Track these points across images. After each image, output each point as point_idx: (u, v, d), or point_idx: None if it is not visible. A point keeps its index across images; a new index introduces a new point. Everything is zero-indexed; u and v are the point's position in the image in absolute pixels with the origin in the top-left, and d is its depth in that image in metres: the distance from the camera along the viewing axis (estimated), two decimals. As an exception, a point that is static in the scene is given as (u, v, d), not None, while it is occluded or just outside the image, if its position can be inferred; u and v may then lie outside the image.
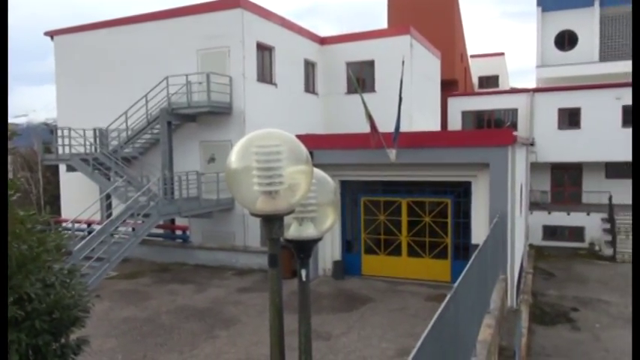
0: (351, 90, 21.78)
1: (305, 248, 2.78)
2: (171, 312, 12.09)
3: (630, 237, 24.24)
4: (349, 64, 21.94)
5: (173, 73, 17.07)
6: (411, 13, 28.32)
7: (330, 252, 15.27)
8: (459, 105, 30.01)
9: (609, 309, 16.74)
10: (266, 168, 2.36)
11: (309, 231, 2.75)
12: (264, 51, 19.10)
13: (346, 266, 15.17)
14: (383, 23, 30.86)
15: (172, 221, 17.72)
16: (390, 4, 30.79)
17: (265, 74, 19.21)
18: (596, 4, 31.12)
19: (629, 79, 27.25)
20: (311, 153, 10.12)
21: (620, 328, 15.00)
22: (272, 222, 2.44)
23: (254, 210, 2.42)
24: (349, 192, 15.36)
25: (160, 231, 17.77)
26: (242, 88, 17.50)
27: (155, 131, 17.62)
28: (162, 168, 16.98)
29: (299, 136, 10.80)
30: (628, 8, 30.61)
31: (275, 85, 19.59)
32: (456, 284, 5.76)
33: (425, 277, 14.20)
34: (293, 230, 2.76)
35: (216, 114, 17.39)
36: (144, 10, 21.02)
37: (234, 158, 2.39)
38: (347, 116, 20.75)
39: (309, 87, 22.47)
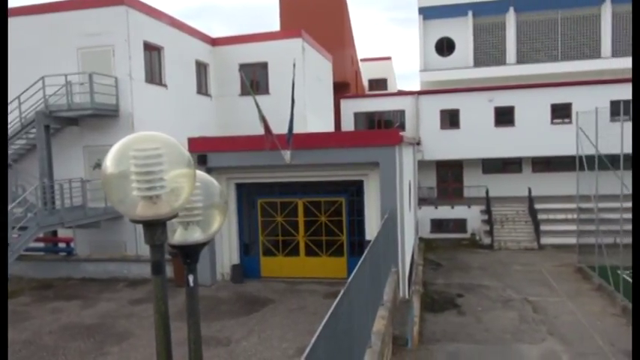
0: (244, 92, 21.65)
1: (192, 253, 2.73)
2: (55, 332, 11.17)
3: (505, 226, 26.73)
4: (242, 66, 21.78)
5: (52, 72, 15.78)
6: (303, 17, 28.80)
7: (228, 256, 15.06)
8: (351, 106, 31.07)
9: (489, 293, 18.30)
10: (145, 172, 2.28)
11: (195, 235, 2.70)
12: (153, 51, 18.34)
13: (245, 269, 15.06)
14: (277, 25, 31.04)
15: (54, 233, 16.37)
16: (282, 7, 31.06)
17: (154, 75, 18.45)
18: (470, 14, 33.90)
19: (500, 83, 30.10)
20: (205, 156, 9.89)
21: (499, 309, 16.47)
22: (154, 228, 2.36)
23: (134, 216, 2.32)
24: (245, 194, 15.26)
25: (41, 244, 16.34)
26: (129, 89, 16.65)
27: (31, 136, 16.17)
28: (40, 176, 15.62)
29: (192, 139, 10.58)
30: (497, 18, 33.75)
31: (165, 86, 18.89)
32: (349, 280, 5.97)
33: (323, 275, 14.52)
34: (178, 235, 2.69)
35: (101, 117, 16.36)
36: (20, 2, 19.13)
37: (109, 163, 2.27)
38: (241, 118, 20.59)
39: (202, 88, 21.97)
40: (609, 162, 17.50)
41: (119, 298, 13.52)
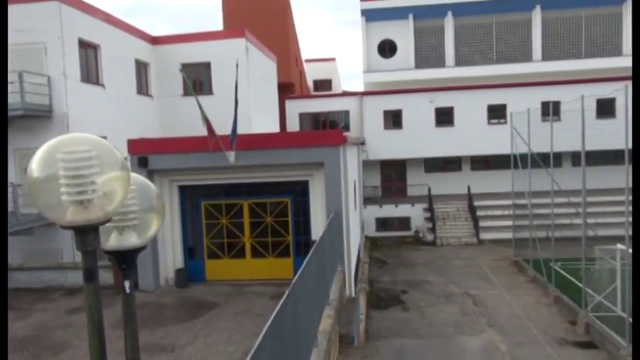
0: (187, 92, 21.19)
1: (127, 258, 2.65)
2: (-16, 346, 10.48)
3: (447, 223, 27.62)
4: (185, 66, 21.29)
5: (-25, 70, 14.82)
6: (246, 17, 28.56)
7: (171, 260, 14.70)
8: (296, 107, 31.12)
9: (432, 288, 18.85)
10: (75, 176, 2.19)
11: (131, 240, 2.63)
12: (89, 49, 17.62)
13: (190, 273, 14.74)
14: (221, 25, 30.60)
15: (-18, 242, 15.36)
16: (225, 7, 30.66)
17: (91, 74, 17.72)
18: (410, 17, 34.81)
19: (440, 85, 31.08)
20: (145, 158, 9.58)
21: (442, 304, 17.01)
22: (86, 233, 2.27)
23: (64, 222, 2.23)
24: (189, 197, 14.95)
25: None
26: (63, 89, 15.90)
27: (-46, 138, 15.11)
28: (-36, 181, 14.62)
29: (132, 141, 10.24)
30: (437, 22, 34.82)
31: (103, 86, 18.19)
32: (294, 280, 5.98)
33: (269, 277, 14.44)
34: (113, 240, 2.61)
35: (33, 118, 15.53)
36: None
37: (35, 166, 2.17)
38: (184, 119, 20.15)
39: (142, 89, 21.32)
40: (541, 160, 18.45)
41: (55, 308, 12.89)
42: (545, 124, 18.07)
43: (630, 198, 12.34)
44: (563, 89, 26.02)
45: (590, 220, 17.70)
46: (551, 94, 26.02)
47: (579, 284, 15.02)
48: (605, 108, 25.05)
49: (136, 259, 2.69)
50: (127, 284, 2.64)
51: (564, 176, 17.73)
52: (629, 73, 28.73)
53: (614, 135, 13.29)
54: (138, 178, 2.67)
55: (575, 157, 23.88)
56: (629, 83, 11.07)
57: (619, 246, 13.38)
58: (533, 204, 19.54)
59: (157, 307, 12.69)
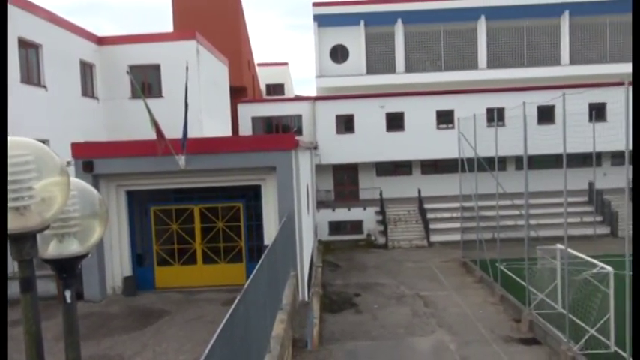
0: (136, 94, 20.63)
1: (68, 267, 2.55)
2: None
3: (398, 226, 28.12)
4: (133, 68, 20.72)
5: None
6: (197, 19, 28.13)
7: (119, 268, 14.22)
8: (248, 111, 30.91)
9: (384, 290, 19.13)
10: (11, 181, 2.10)
11: (72, 247, 2.53)
12: (29, 49, 16.85)
13: (138, 281, 14.31)
14: (171, 27, 29.98)
15: None
16: (174, 8, 30.09)
17: (31, 75, 16.96)
18: (362, 23, 35.34)
19: (391, 90, 31.67)
20: (91, 162, 9.24)
21: (393, 305, 17.28)
22: (22, 241, 2.17)
23: (-2, 230, 2.12)
24: (137, 202, 14.53)
25: None
26: (1, 90, 15.11)
27: None
28: None
29: (76, 145, 9.83)
30: (387, 28, 35.50)
31: (45, 87, 17.43)
32: (245, 286, 5.93)
33: (222, 283, 14.22)
34: (52, 248, 2.50)
35: (-34, 120, 14.67)
36: None
37: (-34, 172, 2.06)
38: (132, 122, 19.56)
39: (88, 90, 20.59)
40: (487, 164, 19.13)
41: (-8, 321, 12.19)
42: (490, 129, 18.75)
43: (567, 200, 13.00)
44: (507, 96, 27.08)
45: (533, 222, 18.52)
46: (495, 100, 27.08)
47: (523, 283, 15.66)
48: (546, 115, 26.28)
49: (78, 267, 2.60)
50: (67, 294, 2.54)
51: (509, 179, 18.49)
52: (568, 82, 30.47)
53: (553, 140, 13.93)
54: (79, 183, 2.58)
55: (518, 162, 24.89)
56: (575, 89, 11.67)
57: (558, 246, 14.05)
58: (479, 206, 20.22)
59: (104, 317, 12.25)
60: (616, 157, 29.18)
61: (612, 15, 34.98)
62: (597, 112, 25.69)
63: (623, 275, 9.96)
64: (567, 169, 12.55)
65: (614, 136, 12.72)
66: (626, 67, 33.08)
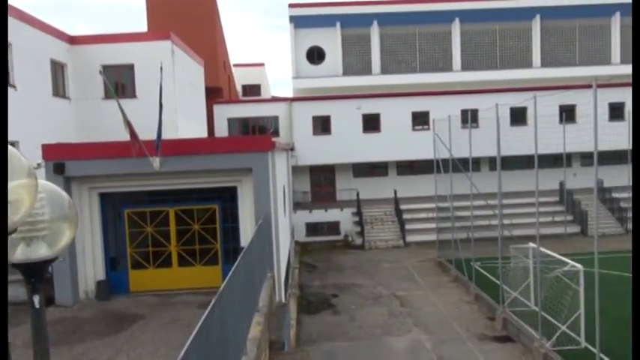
0: (109, 95, 20.26)
1: (36, 271, 2.49)
2: None
3: (374, 227, 28.28)
4: (106, 68, 20.37)
5: None
6: (172, 19, 27.80)
7: (92, 272, 13.94)
8: (224, 112, 30.68)
9: (361, 291, 19.22)
10: (-25, 184, 2.04)
11: (40, 251, 2.47)
12: (-3, 48, 16.39)
13: (112, 285, 14.06)
14: (145, 27, 29.55)
15: None
16: (148, 8, 29.68)
17: (0, 75, 16.48)
18: (338, 25, 35.46)
19: (367, 92, 31.86)
20: (62, 164, 9.04)
21: (370, 306, 17.37)
22: (-12, 245, 2.12)
23: (-38, 234, 2.06)
24: (111, 205, 14.29)
25: None
26: (-33, 90, 14.67)
27: None
28: None
29: (46, 146, 9.61)
30: (363, 30, 35.69)
31: (14, 87, 16.99)
32: (220, 288, 5.88)
33: (198, 286, 14.07)
34: (20, 252, 2.44)
35: None
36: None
37: None
38: (105, 123, 19.21)
39: (59, 91, 20.14)
40: (461, 165, 19.40)
41: (-42, 328, 11.82)
42: (464, 130, 19.02)
43: (538, 200, 13.27)
44: (481, 98, 27.51)
45: (506, 221, 18.86)
46: (470, 102, 27.47)
47: (497, 282, 15.92)
48: (518, 116, 26.80)
49: (47, 271, 2.54)
50: (36, 299, 2.48)
51: (483, 180, 18.77)
52: (539, 84, 31.11)
53: (526, 141, 14.19)
54: (48, 185, 2.52)
55: (492, 162, 25.31)
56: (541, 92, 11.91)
57: (531, 245, 14.33)
58: (454, 207, 20.48)
59: (76, 322, 11.99)
60: (585, 158, 29.95)
61: (582, 19, 35.90)
62: (567, 113, 26.33)
63: (592, 273, 10.21)
64: (539, 170, 12.83)
65: (583, 137, 13.04)
66: (595, 70, 34.24)
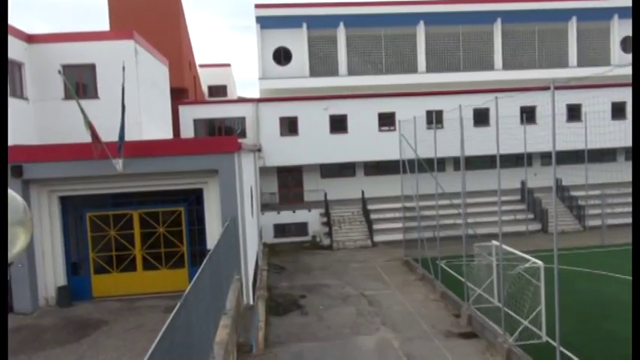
0: (69, 95, 19.69)
1: (-10, 278, 2.40)
2: None
3: (342, 227, 28.41)
4: (67, 67, 19.78)
5: None
6: (134, 19, 27.26)
7: (52, 277, 13.54)
8: (190, 113, 30.26)
9: (329, 291, 19.27)
10: None
11: (-6, 257, 2.38)
12: (-51, 46, 15.72)
13: (74, 291, 13.69)
14: (107, 26, 28.84)
15: None
16: (111, 8, 28.99)
17: (-48, 74, 15.82)
18: (304, 26, 35.49)
19: (334, 93, 32.00)
20: (20, 167, 8.76)
21: (339, 306, 17.44)
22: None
23: None
24: (72, 208, 13.91)
25: None
26: None
27: None
28: None
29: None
30: (330, 31, 35.81)
31: (-33, 87, 16.31)
32: (186, 292, 5.80)
33: (163, 289, 13.86)
34: (-28, 259, 2.35)
35: None
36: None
37: None
38: (66, 124, 18.66)
39: (16, 91, 19.45)
40: (426, 165, 19.71)
41: None
42: (429, 131, 19.33)
43: (501, 199, 13.61)
44: (445, 99, 28.04)
45: (470, 220, 19.26)
46: (434, 103, 27.96)
47: (462, 279, 16.23)
48: (481, 117, 27.42)
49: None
50: (-11, 306, 2.39)
51: (448, 180, 19.11)
52: (501, 86, 31.88)
53: (488, 141, 14.51)
54: (2, 189, 2.43)
55: (456, 162, 25.82)
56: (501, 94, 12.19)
57: (494, 242, 14.68)
58: (420, 206, 20.78)
59: (36, 330, 11.61)
60: (545, 158, 30.91)
61: (541, 23, 37.03)
62: (528, 115, 27.10)
63: (553, 269, 10.53)
64: (501, 169, 13.16)
65: (543, 137, 13.43)
66: (554, 73, 35.21)
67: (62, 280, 13.66)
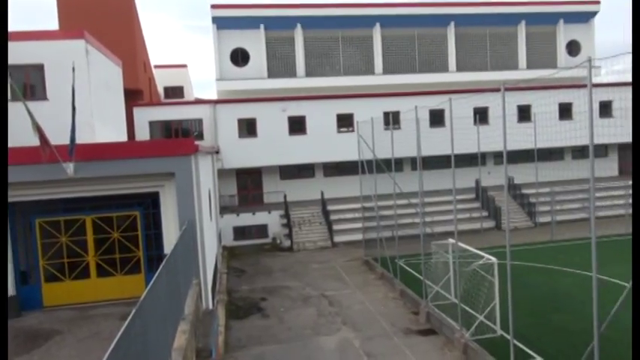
0: (16, 97, 18.86)
1: None
2: None
3: (303, 228, 28.43)
4: (13, 67, 18.92)
5: None
6: (85, 18, 26.42)
7: (-1, 287, 12.92)
8: (145, 115, 29.57)
9: (290, 293, 19.23)
10: None
11: None
12: None
13: (23, 300, 13.14)
14: (56, 25, 27.80)
15: None
16: (60, 7, 27.97)
17: None
18: (262, 27, 35.35)
19: (292, 94, 32.01)
20: (-40, 172, 8.12)
21: (299, 307, 17.43)
22: None
23: None
24: (20, 214, 13.34)
25: None
26: None
27: None
28: None
29: None
30: (287, 33, 35.79)
31: None
32: (141, 298, 5.67)
33: (119, 296, 13.50)
34: None
35: None
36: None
37: None
38: (13, 127, 17.83)
39: (-43, 92, 18.48)
40: (384, 165, 19.98)
41: None
42: (387, 132, 19.61)
43: (456, 198, 13.95)
44: (402, 100, 28.52)
45: (428, 219, 19.67)
46: (391, 104, 28.38)
47: (420, 277, 16.54)
48: (437, 118, 28.07)
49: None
50: None
51: (405, 180, 19.44)
52: (455, 88, 32.71)
53: (444, 142, 14.85)
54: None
55: (413, 162, 26.28)
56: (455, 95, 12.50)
57: (450, 240, 15.04)
58: (379, 206, 21.05)
59: (-19, 343, 11.07)
60: (498, 157, 31.93)
61: (492, 27, 38.26)
62: (481, 115, 27.91)
63: (505, 265, 10.89)
64: (456, 169, 13.50)
65: (495, 137, 13.85)
66: (504, 75, 36.46)
67: (10, 290, 13.07)
